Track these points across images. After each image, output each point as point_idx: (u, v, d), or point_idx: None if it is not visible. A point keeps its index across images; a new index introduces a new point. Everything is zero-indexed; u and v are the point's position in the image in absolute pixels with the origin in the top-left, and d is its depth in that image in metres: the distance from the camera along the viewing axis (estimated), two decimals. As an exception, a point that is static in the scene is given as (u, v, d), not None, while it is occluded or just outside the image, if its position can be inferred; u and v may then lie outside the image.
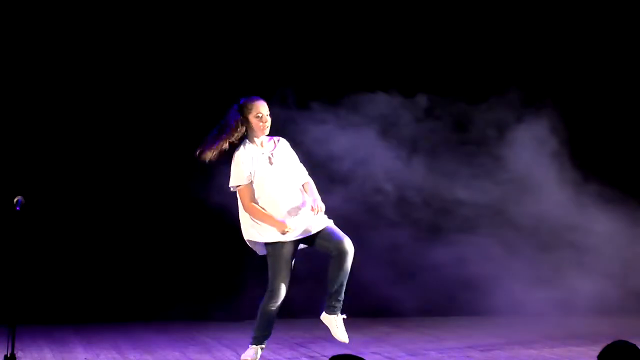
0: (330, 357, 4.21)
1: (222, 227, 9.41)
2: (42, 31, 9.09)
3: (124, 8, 9.31)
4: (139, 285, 9.20)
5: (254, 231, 6.75)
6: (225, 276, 9.33)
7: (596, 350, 4.25)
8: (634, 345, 4.12)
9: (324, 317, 6.83)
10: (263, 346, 6.91)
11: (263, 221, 6.72)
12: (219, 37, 9.50)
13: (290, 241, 6.75)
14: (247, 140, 6.76)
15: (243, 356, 6.90)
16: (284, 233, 6.65)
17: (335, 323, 6.80)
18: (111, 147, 9.22)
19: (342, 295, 6.86)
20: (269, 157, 6.78)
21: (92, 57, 9.20)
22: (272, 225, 6.67)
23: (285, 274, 6.77)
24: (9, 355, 5.94)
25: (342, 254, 6.80)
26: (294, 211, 6.74)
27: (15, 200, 6.00)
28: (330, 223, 6.84)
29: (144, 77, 9.30)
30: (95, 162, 9.20)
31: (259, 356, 6.91)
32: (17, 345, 5.97)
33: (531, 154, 9.31)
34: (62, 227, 9.07)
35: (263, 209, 6.70)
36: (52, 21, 9.12)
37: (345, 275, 6.83)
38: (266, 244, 6.76)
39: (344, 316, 6.88)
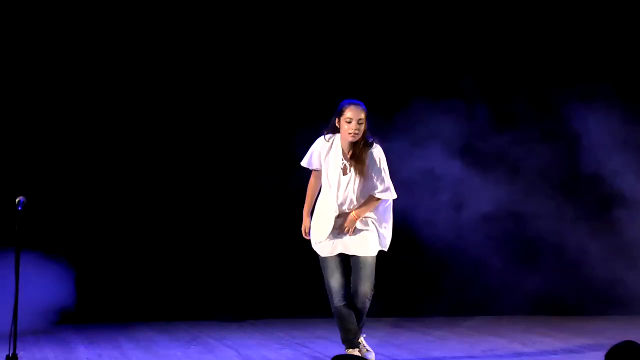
0: (332, 357, 4.21)
1: (224, 227, 9.42)
2: (42, 31, 9.08)
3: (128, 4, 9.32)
4: (141, 284, 9.19)
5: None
6: (228, 276, 9.32)
7: (598, 350, 4.25)
8: None
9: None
10: (359, 349, 6.87)
11: (306, 200, 6.92)
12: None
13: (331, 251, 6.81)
14: (338, 137, 6.76)
15: None
16: (304, 234, 6.86)
17: (360, 353, 6.81)
18: (110, 147, 9.21)
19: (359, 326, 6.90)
20: (343, 167, 6.73)
21: (96, 55, 9.19)
22: (304, 212, 6.89)
23: (331, 271, 6.79)
24: (10, 355, 5.93)
25: (354, 294, 6.84)
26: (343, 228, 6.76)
27: (17, 200, 6.00)
28: (369, 253, 6.78)
29: (143, 76, 9.29)
30: (96, 162, 9.19)
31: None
32: (18, 345, 5.97)
33: None
34: (63, 227, 9.06)
35: (314, 199, 6.87)
36: (53, 20, 9.11)
37: (358, 314, 6.87)
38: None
39: (368, 349, 6.92)
